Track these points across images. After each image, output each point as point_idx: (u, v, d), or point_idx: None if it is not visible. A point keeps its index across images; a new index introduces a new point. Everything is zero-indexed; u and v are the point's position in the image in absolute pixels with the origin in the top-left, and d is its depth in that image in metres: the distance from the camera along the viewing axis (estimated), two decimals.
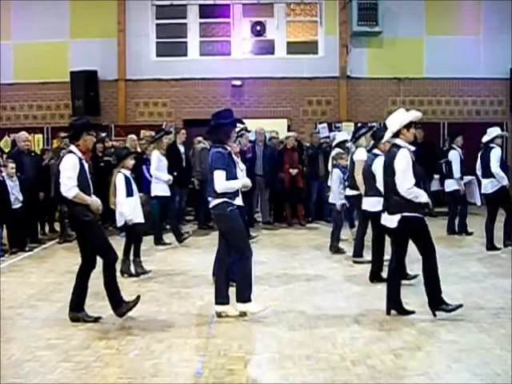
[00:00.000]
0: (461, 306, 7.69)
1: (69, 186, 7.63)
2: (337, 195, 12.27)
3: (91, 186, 7.99)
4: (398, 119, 7.85)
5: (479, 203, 14.69)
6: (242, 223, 8.16)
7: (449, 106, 20.45)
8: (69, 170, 7.68)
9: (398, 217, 7.69)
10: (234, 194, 7.97)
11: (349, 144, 12.49)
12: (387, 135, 8.02)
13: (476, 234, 13.53)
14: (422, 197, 7.66)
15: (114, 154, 12.03)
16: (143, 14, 20.14)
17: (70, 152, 7.87)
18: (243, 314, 7.93)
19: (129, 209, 10.35)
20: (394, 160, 7.67)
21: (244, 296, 7.93)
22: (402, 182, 7.59)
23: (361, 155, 10.87)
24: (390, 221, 7.83)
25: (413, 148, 7.79)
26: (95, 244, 7.82)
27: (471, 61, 19.88)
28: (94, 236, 7.82)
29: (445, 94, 20.38)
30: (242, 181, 8.21)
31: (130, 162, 10.68)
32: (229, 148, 8.04)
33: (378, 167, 9.29)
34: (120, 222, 10.57)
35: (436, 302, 7.72)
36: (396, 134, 7.81)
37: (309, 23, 20.76)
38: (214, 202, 7.94)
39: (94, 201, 7.90)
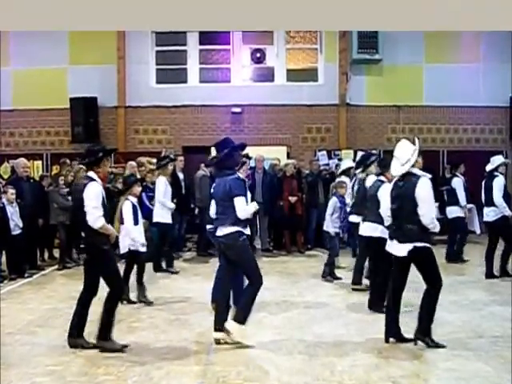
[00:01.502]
0: (443, 346, 7.60)
1: (95, 216, 7.59)
2: (329, 223, 12.33)
3: (108, 213, 7.98)
4: (410, 149, 7.79)
5: (478, 231, 14.70)
6: (252, 252, 8.30)
7: (448, 134, 20.48)
8: (94, 200, 7.63)
9: (408, 246, 7.66)
10: (245, 223, 8.02)
11: (357, 171, 12.44)
12: (406, 166, 7.74)
13: (475, 262, 13.50)
14: (437, 226, 7.75)
15: (122, 181, 11.95)
16: (143, 40, 20.17)
17: (92, 180, 7.82)
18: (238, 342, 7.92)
19: (139, 235, 10.36)
20: (415, 189, 7.61)
21: (240, 318, 7.86)
22: (428, 212, 7.60)
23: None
24: (398, 249, 7.81)
25: (429, 175, 7.82)
26: (109, 273, 7.76)
27: (471, 89, 19.93)
28: (110, 265, 7.79)
29: (444, 122, 20.42)
30: (254, 205, 8.25)
31: (138, 189, 10.67)
32: (241, 175, 8.12)
33: (384, 194, 9.20)
34: (124, 249, 10.43)
35: (423, 332, 7.67)
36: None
37: (309, 51, 20.83)
38: (226, 231, 7.95)
39: (115, 231, 7.92)
